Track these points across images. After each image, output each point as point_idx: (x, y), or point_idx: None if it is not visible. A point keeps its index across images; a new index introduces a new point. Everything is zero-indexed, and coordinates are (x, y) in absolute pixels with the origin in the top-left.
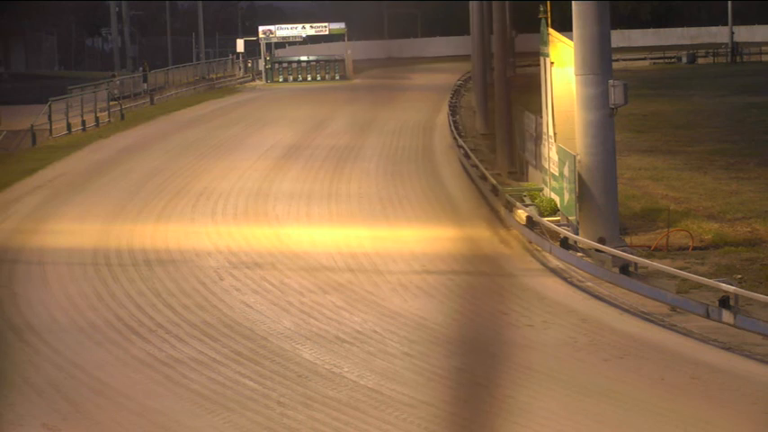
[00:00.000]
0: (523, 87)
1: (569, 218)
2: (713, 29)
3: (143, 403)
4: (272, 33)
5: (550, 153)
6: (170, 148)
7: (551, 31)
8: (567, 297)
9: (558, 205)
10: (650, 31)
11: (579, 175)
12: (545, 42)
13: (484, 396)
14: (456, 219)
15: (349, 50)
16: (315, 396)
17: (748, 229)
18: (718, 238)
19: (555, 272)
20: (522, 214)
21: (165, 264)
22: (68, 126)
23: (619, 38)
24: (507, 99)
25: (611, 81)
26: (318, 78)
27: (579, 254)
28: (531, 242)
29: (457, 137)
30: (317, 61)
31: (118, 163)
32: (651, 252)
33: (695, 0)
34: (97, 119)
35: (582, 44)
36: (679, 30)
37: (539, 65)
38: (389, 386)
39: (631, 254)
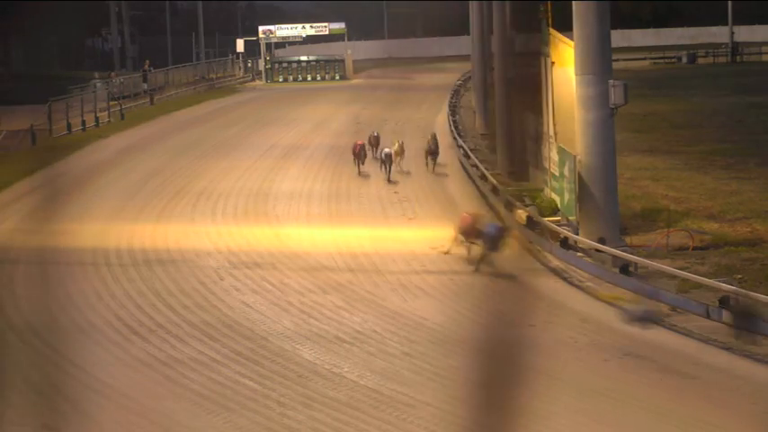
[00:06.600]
0: (523, 87)
1: (569, 218)
2: (713, 29)
3: (143, 403)
4: (272, 33)
5: (550, 153)
6: (170, 148)
7: (551, 31)
8: (567, 297)
9: (558, 205)
10: (650, 31)
11: (579, 175)
12: (545, 42)
13: (484, 396)
14: (456, 219)
15: (349, 50)
16: (315, 396)
17: (748, 229)
18: (718, 238)
19: (555, 272)
20: (522, 214)
21: (165, 264)
22: (68, 126)
23: (619, 38)
24: (507, 99)
25: (611, 81)
26: (318, 78)
27: (579, 254)
28: (531, 242)
29: (457, 137)
30: (316, 61)
31: (118, 163)
32: (651, 252)
33: (695, 0)
34: (97, 119)
35: (582, 44)
36: (679, 30)
37: (539, 65)
38: (389, 386)
39: (631, 254)
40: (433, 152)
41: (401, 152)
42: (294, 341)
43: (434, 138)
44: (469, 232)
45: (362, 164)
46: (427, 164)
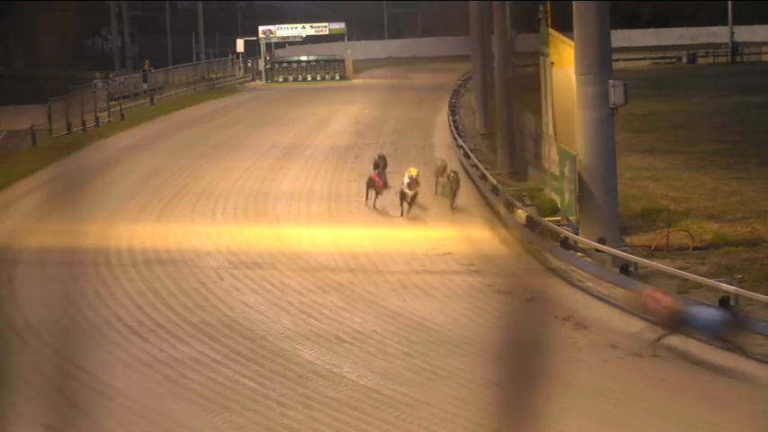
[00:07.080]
0: (523, 87)
1: (569, 218)
2: (713, 29)
3: (143, 403)
4: (271, 33)
5: (550, 153)
6: (170, 147)
7: (551, 31)
8: (566, 297)
9: (558, 205)
10: (650, 31)
11: (579, 175)
12: (545, 42)
13: (484, 396)
14: (456, 219)
15: (349, 50)
16: (315, 396)
17: (748, 229)
18: (718, 238)
19: (555, 272)
20: (522, 214)
21: (165, 264)
22: (68, 126)
23: (619, 38)
24: (507, 99)
25: (611, 81)
26: (318, 78)
27: (579, 254)
28: (531, 242)
29: (457, 137)
30: (316, 61)
31: (118, 163)
32: (651, 252)
33: (695, 0)
34: (97, 119)
35: (582, 44)
36: (679, 30)
37: (539, 65)
38: (389, 386)
39: (631, 254)
40: (453, 188)
41: (418, 183)
42: (294, 341)
43: (444, 164)
44: (668, 319)
45: (379, 195)
46: (436, 191)
